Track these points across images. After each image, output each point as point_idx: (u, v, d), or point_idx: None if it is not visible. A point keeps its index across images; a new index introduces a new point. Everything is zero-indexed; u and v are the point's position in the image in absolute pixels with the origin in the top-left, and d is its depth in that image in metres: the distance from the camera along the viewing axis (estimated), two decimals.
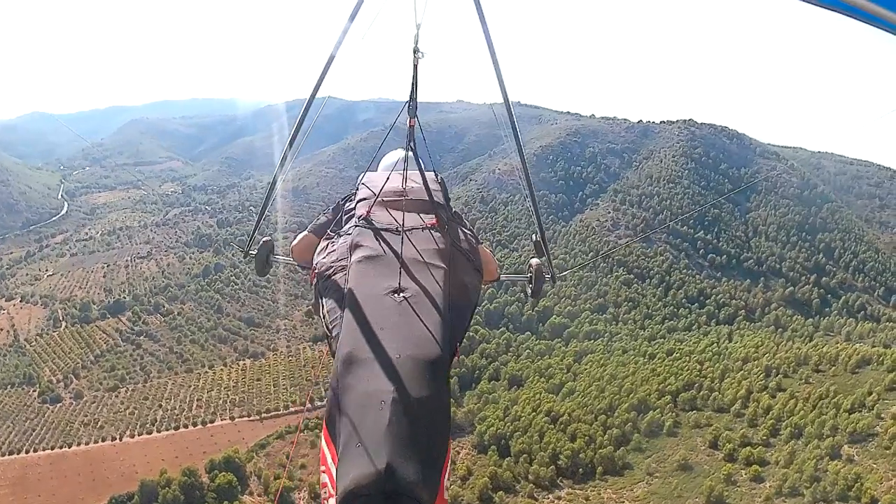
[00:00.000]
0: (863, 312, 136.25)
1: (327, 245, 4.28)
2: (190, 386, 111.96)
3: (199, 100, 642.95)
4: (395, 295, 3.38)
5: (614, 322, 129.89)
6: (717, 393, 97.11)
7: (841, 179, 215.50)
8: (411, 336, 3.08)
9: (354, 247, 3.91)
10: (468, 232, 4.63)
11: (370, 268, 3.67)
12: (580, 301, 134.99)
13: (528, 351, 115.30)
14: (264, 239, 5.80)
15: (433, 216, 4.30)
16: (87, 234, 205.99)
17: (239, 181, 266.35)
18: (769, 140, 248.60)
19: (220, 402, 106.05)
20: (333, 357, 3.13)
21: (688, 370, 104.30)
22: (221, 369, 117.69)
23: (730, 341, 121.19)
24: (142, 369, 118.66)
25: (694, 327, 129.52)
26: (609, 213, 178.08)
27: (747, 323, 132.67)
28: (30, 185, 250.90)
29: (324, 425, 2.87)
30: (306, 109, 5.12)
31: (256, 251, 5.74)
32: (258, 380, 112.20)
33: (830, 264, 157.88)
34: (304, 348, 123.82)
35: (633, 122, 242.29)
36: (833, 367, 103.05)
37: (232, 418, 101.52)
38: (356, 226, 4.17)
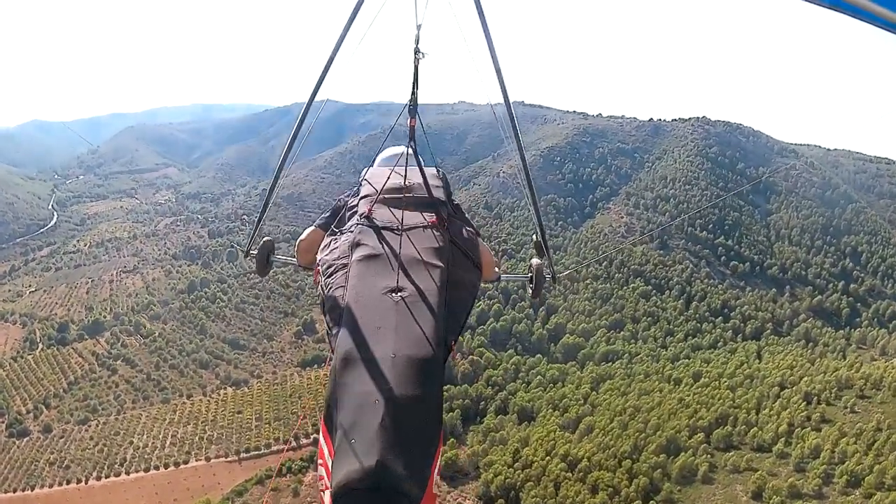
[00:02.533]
0: (895, 322, 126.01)
1: (330, 242, 4.26)
2: (165, 419, 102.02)
3: (201, 105, 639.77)
4: (393, 294, 3.44)
5: (633, 340, 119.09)
6: (755, 428, 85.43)
7: (861, 178, 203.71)
8: (407, 336, 3.17)
9: (355, 245, 3.93)
10: (468, 229, 4.57)
11: (370, 267, 3.72)
12: (595, 317, 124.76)
13: (539, 377, 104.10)
14: (265, 239, 5.77)
15: (433, 214, 4.29)
16: (74, 246, 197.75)
17: (234, 188, 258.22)
18: (780, 137, 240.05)
19: (196, 438, 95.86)
20: (333, 353, 3.23)
21: (719, 399, 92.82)
22: (200, 399, 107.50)
23: (759, 360, 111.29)
24: (115, 399, 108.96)
25: (719, 344, 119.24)
26: (622, 217, 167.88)
27: (775, 337, 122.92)
28: (18, 194, 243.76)
29: (321, 420, 2.98)
30: (306, 111, 5.21)
31: (257, 251, 5.71)
32: (239, 413, 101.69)
33: (858, 269, 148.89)
34: (292, 374, 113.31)
35: (643, 120, 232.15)
36: (879, 393, 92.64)
37: (207, 458, 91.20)
38: (358, 224, 4.17)
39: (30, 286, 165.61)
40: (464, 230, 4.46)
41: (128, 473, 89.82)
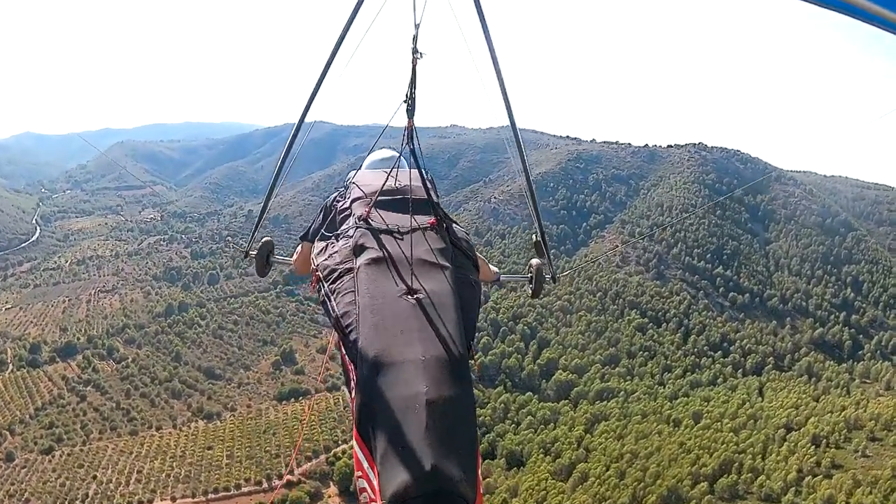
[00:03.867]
0: None
1: (326, 246, 4.17)
2: (131, 452, 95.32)
3: (193, 123, 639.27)
4: (409, 297, 3.39)
5: (629, 377, 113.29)
6: (762, 476, 79.61)
7: (860, 205, 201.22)
8: (431, 337, 3.13)
9: (359, 248, 3.85)
10: (461, 230, 4.52)
11: (379, 270, 3.64)
12: (589, 351, 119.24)
13: (529, 417, 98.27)
14: (265, 239, 5.79)
15: (432, 215, 4.24)
16: (55, 262, 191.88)
17: (221, 208, 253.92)
18: (777, 163, 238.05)
19: (163, 475, 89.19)
20: (352, 360, 3.21)
21: (722, 443, 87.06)
22: (170, 433, 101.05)
23: (761, 397, 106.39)
24: (82, 428, 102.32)
25: (719, 380, 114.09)
26: (617, 245, 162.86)
27: (777, 372, 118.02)
28: (3, 208, 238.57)
29: (354, 430, 2.94)
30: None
31: (256, 251, 5.73)
32: (209, 448, 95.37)
33: (859, 300, 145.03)
34: (268, 408, 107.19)
35: (638, 146, 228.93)
36: (891, 435, 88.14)
37: (173, 498, 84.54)
38: (357, 227, 4.06)
39: (6, 303, 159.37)
40: (458, 231, 4.33)
41: None
